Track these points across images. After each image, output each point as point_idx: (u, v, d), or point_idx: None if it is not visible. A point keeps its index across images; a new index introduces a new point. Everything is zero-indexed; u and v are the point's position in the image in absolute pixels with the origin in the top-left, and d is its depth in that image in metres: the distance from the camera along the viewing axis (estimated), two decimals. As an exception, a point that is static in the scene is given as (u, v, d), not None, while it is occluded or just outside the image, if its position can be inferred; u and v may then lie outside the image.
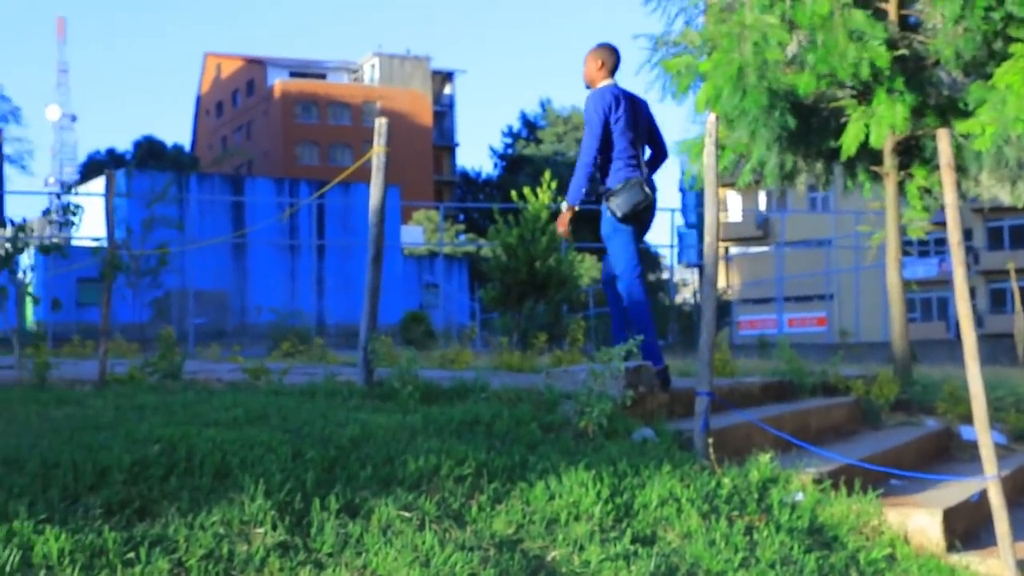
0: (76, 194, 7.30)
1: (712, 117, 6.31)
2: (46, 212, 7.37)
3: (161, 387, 6.84)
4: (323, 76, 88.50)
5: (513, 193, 15.72)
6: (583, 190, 7.59)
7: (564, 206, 7.73)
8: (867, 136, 9.59)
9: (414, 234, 57.64)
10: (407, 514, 4.28)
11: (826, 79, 9.48)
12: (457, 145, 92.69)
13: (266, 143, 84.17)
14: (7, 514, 3.63)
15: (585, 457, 5.26)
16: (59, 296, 7.84)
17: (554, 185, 15.38)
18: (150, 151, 73.76)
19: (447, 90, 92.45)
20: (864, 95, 9.84)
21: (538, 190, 15.48)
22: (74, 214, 6.87)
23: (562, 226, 7.77)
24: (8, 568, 3.33)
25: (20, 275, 7.45)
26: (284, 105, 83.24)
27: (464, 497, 4.58)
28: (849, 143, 9.69)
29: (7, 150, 73.00)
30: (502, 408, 6.01)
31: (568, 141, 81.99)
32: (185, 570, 3.59)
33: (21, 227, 6.79)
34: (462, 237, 68.35)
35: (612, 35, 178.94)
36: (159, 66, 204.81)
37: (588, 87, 7.82)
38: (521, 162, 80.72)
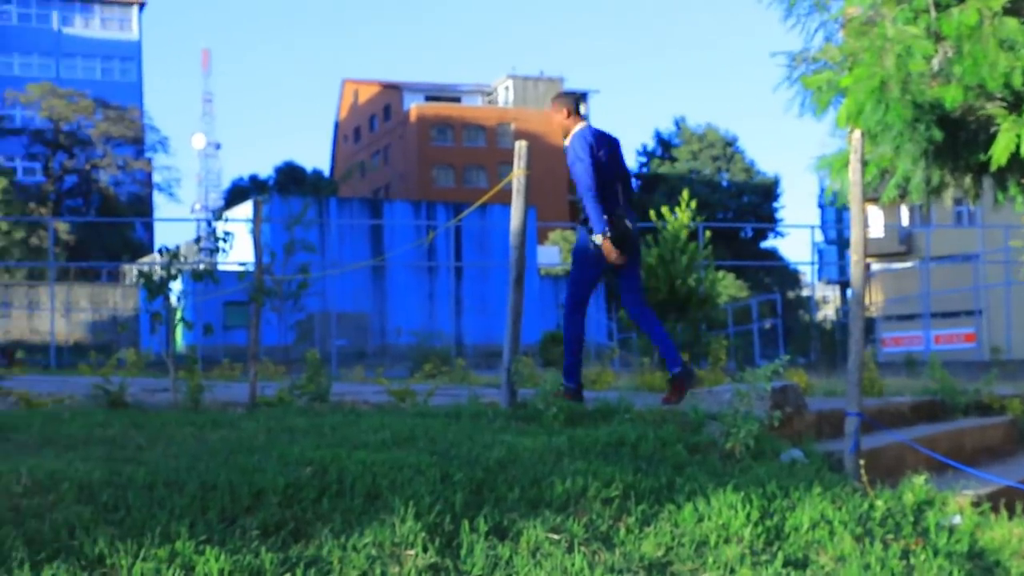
0: (227, 220, 7.51)
1: (857, 133, 6.20)
2: (198, 239, 7.59)
3: (310, 409, 6.96)
4: (458, 99, 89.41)
5: (651, 212, 15.62)
6: (603, 216, 7.89)
7: (599, 239, 7.88)
8: (1019, 147, 9.30)
9: (550, 254, 57.76)
10: (556, 536, 4.28)
11: (974, 91, 9.22)
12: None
13: (402, 166, 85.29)
14: (169, 534, 3.72)
15: (733, 479, 5.20)
16: (207, 320, 8.02)
17: (693, 204, 15.26)
18: (291, 176, 75.36)
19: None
20: (1016, 105, 9.54)
21: (676, 209, 15.38)
22: (224, 240, 7.07)
23: (613, 255, 7.92)
24: (171, 587, 3.43)
25: (173, 300, 7.67)
26: (420, 129, 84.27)
27: (612, 519, 4.55)
28: (999, 154, 9.39)
29: (156, 178, 75.35)
30: (647, 429, 5.97)
31: (703, 159, 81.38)
32: (339, 591, 3.64)
33: (175, 254, 7.00)
34: (598, 256, 68.17)
35: (746, 52, 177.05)
36: (299, 93, 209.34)
37: (565, 137, 8.32)
38: (656, 181, 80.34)
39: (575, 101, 8.49)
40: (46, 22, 77.92)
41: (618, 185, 8.40)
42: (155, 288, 6.99)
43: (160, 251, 7.06)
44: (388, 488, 4.41)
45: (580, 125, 8.41)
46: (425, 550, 3.97)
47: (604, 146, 8.31)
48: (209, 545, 3.69)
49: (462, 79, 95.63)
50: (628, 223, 8.06)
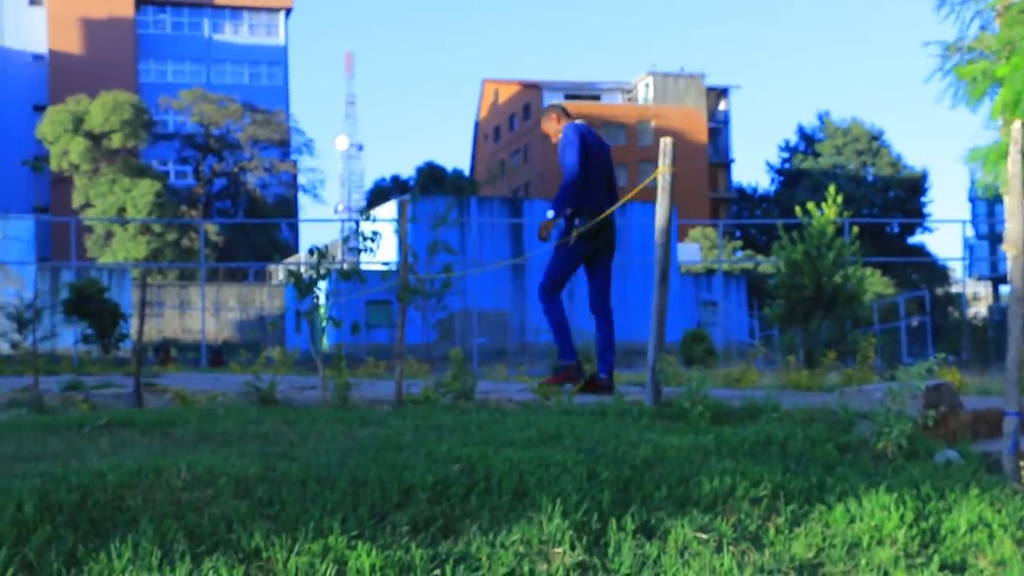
0: (374, 220, 7.62)
1: (1017, 124, 6.00)
2: (346, 238, 7.72)
3: (455, 407, 7.02)
4: (597, 97, 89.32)
5: (797, 208, 15.41)
6: (569, 205, 8.67)
7: (549, 214, 8.71)
8: None
9: (690, 252, 57.32)
10: (704, 535, 4.24)
11: None
12: (733, 161, 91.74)
13: (542, 165, 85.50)
14: (322, 529, 3.79)
15: (885, 479, 5.08)
16: (350, 318, 8.16)
17: (840, 199, 14.99)
18: (432, 176, 76.15)
19: (722, 106, 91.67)
20: None
21: (823, 204, 15.13)
22: (372, 240, 7.18)
23: (544, 232, 8.77)
24: (325, 581, 3.49)
25: (321, 300, 7.81)
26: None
27: (761, 519, 4.49)
28: None
29: (301, 180, 76.94)
30: (795, 428, 5.88)
31: (848, 153, 79.83)
32: (489, 588, 3.66)
33: (324, 253, 7.14)
34: (739, 254, 67.52)
35: (894, 44, 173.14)
36: (439, 94, 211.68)
37: (553, 137, 9.03)
38: (799, 176, 79.12)
39: (564, 110, 9.15)
40: (197, 30, 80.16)
41: (605, 182, 8.94)
42: (304, 287, 7.13)
43: (310, 251, 7.21)
44: (535, 486, 4.43)
45: (577, 122, 9.00)
46: (573, 548, 3.97)
47: (596, 143, 8.89)
48: (361, 540, 3.75)
49: (602, 77, 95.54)
50: (609, 218, 8.71)
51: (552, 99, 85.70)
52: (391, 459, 4.69)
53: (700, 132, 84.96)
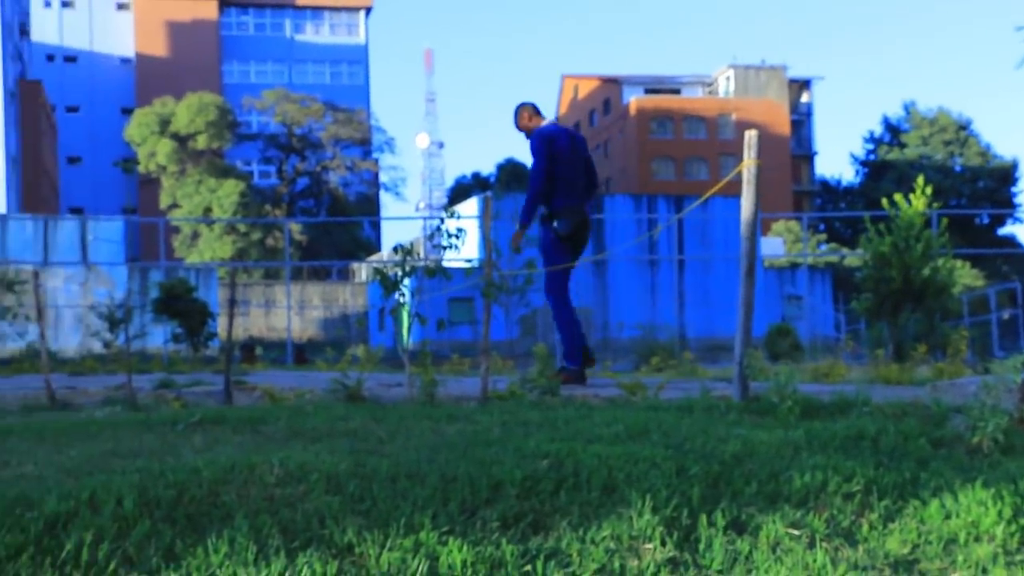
0: (458, 217, 7.66)
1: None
2: (431, 235, 7.78)
3: (541, 403, 7.03)
4: (677, 91, 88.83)
5: (884, 200, 15.18)
6: (531, 215, 9.11)
7: (518, 226, 9.09)
8: None
9: (774, 245, 56.79)
10: (795, 531, 4.19)
11: None
12: (816, 154, 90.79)
13: (622, 160, 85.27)
14: (413, 525, 3.82)
15: (981, 474, 4.99)
16: (432, 315, 8.20)
17: (928, 191, 14.76)
18: (513, 173, 76.32)
19: (804, 98, 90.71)
20: None
21: (910, 196, 14.90)
22: (456, 237, 7.22)
23: (515, 242, 9.07)
24: (417, 576, 3.51)
25: (406, 297, 7.87)
26: (640, 122, 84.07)
27: (854, 515, 4.43)
28: None
29: (383, 178, 77.50)
30: (887, 423, 5.80)
31: (934, 143, 78.57)
32: (579, 583, 3.66)
33: (408, 251, 7.19)
34: (824, 247, 66.76)
35: (984, 29, 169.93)
36: (519, 90, 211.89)
37: (526, 134, 9.33)
38: (884, 168, 78.07)
39: (534, 106, 9.46)
40: (279, 30, 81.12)
41: (582, 179, 9.30)
42: (390, 285, 7.18)
43: (395, 249, 7.26)
44: (624, 481, 4.41)
45: (544, 122, 9.34)
46: (663, 544, 3.95)
47: (567, 142, 9.21)
48: (451, 536, 3.77)
49: (682, 71, 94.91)
50: (585, 214, 9.19)
51: (632, 94, 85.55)
52: (480, 455, 4.70)
53: (782, 125, 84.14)
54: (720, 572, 3.85)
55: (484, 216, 7.80)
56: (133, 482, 4.04)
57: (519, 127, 9.39)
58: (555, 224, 9.03)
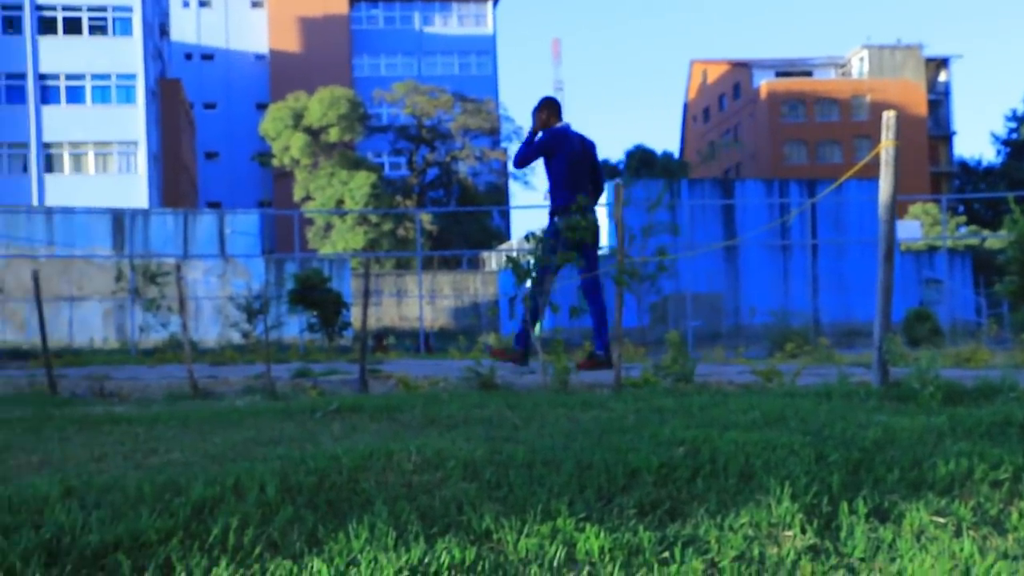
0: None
1: None
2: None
3: (675, 390, 6.99)
4: (809, 73, 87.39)
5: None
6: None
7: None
8: None
9: (910, 229, 55.49)
10: (940, 519, 4.10)
11: None
12: (954, 134, 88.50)
13: (753, 145, 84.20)
14: (550, 512, 3.83)
15: None
16: (563, 303, 8.21)
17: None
18: (641, 159, 75.88)
19: (942, 77, 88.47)
20: None
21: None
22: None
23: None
24: (555, 563, 3.52)
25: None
26: (771, 105, 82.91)
27: (1002, 503, 4.31)
28: None
29: (511, 167, 77.77)
30: (1034, 409, 5.63)
31: (1080, 120, 75.88)
32: (718, 571, 3.62)
33: (540, 239, 7.20)
34: (963, 229, 65.06)
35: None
36: (647, 77, 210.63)
37: (540, 128, 10.04)
38: (1025, 147, 75.66)
39: (555, 108, 10.08)
40: (408, 23, 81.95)
41: (588, 181, 9.94)
42: (523, 273, 7.21)
43: (526, 237, 7.28)
44: (762, 468, 4.36)
45: (559, 124, 10.01)
46: (803, 531, 3.90)
47: (577, 147, 9.89)
48: (588, 523, 3.76)
49: (813, 53, 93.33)
50: (590, 216, 9.48)
51: (762, 78, 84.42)
52: (615, 442, 4.69)
53: (919, 105, 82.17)
54: (862, 560, 3.78)
55: (615, 203, 7.77)
56: (275, 469, 4.13)
57: (535, 121, 10.07)
58: (555, 219, 9.64)
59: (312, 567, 3.33)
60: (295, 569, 3.32)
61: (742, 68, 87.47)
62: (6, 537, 3.36)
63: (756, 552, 3.74)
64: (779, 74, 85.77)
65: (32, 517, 3.59)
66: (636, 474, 4.24)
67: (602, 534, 3.68)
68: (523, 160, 9.99)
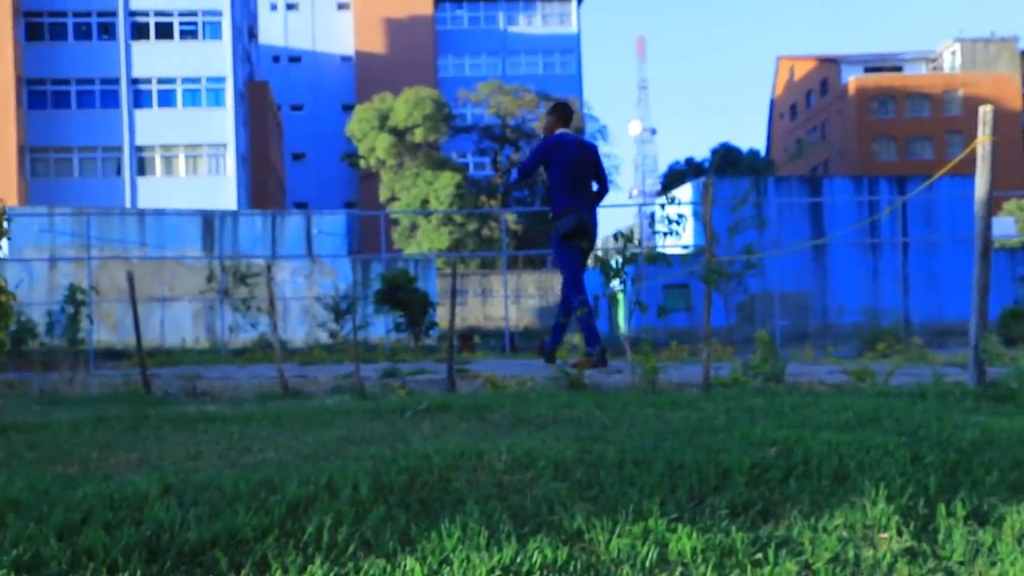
0: (678, 203, 7.60)
1: None
2: (652, 222, 7.75)
3: (765, 390, 6.92)
4: (899, 68, 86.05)
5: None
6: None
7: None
8: None
9: (1005, 225, 54.42)
10: (1042, 523, 4.01)
11: None
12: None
13: (841, 141, 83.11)
14: (641, 512, 3.81)
15: None
16: (648, 302, 8.17)
17: None
18: (726, 158, 75.25)
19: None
20: None
21: None
22: (678, 223, 7.16)
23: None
24: (647, 563, 3.50)
25: (624, 284, 7.85)
26: (859, 102, 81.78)
27: (1106, 507, 4.21)
28: None
29: (596, 166, 77.61)
30: None
31: None
32: (812, 573, 3.58)
33: (628, 238, 7.17)
34: (1059, 226, 63.61)
35: None
36: (733, 74, 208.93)
37: (544, 135, 10.42)
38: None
39: (565, 113, 10.44)
40: (493, 23, 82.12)
41: (590, 184, 10.16)
42: (612, 272, 7.18)
43: (615, 236, 7.25)
44: (856, 469, 4.30)
45: (559, 131, 10.29)
46: (899, 533, 3.83)
47: (574, 150, 10.13)
48: (680, 523, 3.74)
49: (903, 47, 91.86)
50: (584, 217, 9.85)
51: (851, 73, 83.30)
52: (705, 442, 4.66)
53: (1014, 99, 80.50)
54: (961, 563, 3.72)
55: (704, 201, 7.72)
56: (367, 468, 4.16)
57: (545, 125, 10.52)
58: (557, 224, 9.98)
59: (405, 566, 3.35)
60: (388, 568, 3.34)
61: (830, 64, 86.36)
62: (108, 533, 3.43)
63: (851, 554, 3.69)
64: (868, 69, 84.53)
65: (132, 514, 3.66)
66: (728, 474, 4.21)
67: (694, 535, 3.66)
68: (525, 171, 10.41)
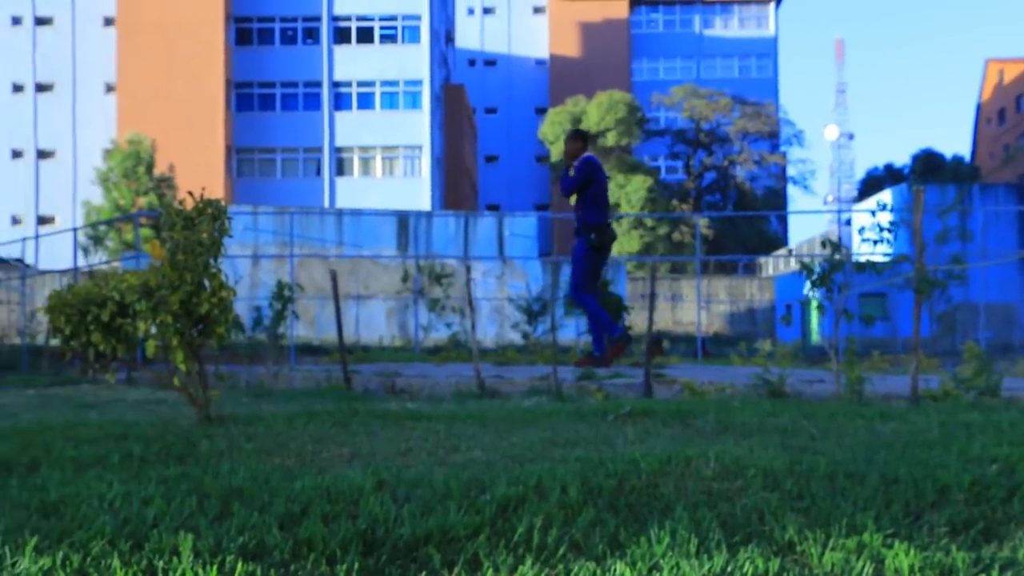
0: (885, 208, 7.40)
1: None
2: (861, 230, 7.56)
3: (979, 404, 6.67)
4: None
5: None
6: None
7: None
8: None
9: None
10: None
11: None
12: None
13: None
14: (855, 526, 3.71)
15: None
16: (856, 312, 7.96)
17: None
18: (927, 164, 73.08)
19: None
20: None
21: None
22: (889, 231, 6.97)
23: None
24: (863, 579, 3.41)
25: (823, 292, 7.68)
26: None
27: None
28: None
29: (790, 171, 76.28)
30: None
31: None
32: (1032, 597, 3.43)
33: (837, 245, 7.01)
34: None
35: None
36: (936, 78, 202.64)
37: (574, 158, 11.50)
38: None
39: (585, 140, 11.68)
40: (688, 26, 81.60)
41: (609, 204, 11.58)
42: (818, 280, 7.04)
43: (823, 243, 7.11)
44: (1087, 491, 4.10)
45: (588, 153, 11.51)
46: None
47: (603, 174, 11.55)
48: (896, 539, 3.63)
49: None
50: (613, 230, 11.52)
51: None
52: (921, 456, 4.52)
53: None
54: None
55: (914, 209, 7.49)
56: (575, 471, 4.17)
57: (568, 149, 11.55)
58: (592, 236, 11.22)
59: (615, 570, 3.33)
60: (598, 571, 3.33)
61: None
62: (326, 525, 3.52)
63: (1079, 581, 3.52)
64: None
65: (348, 507, 3.74)
66: (946, 491, 4.06)
67: (912, 551, 3.54)
68: (573, 190, 11.37)
